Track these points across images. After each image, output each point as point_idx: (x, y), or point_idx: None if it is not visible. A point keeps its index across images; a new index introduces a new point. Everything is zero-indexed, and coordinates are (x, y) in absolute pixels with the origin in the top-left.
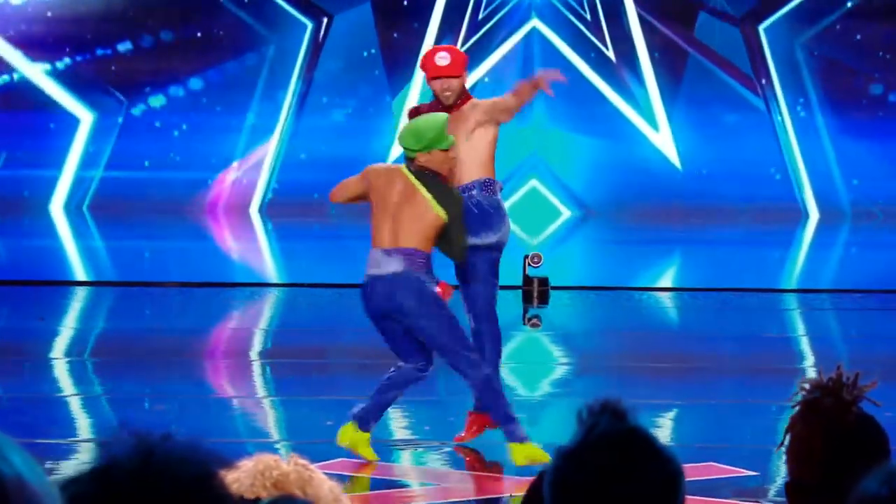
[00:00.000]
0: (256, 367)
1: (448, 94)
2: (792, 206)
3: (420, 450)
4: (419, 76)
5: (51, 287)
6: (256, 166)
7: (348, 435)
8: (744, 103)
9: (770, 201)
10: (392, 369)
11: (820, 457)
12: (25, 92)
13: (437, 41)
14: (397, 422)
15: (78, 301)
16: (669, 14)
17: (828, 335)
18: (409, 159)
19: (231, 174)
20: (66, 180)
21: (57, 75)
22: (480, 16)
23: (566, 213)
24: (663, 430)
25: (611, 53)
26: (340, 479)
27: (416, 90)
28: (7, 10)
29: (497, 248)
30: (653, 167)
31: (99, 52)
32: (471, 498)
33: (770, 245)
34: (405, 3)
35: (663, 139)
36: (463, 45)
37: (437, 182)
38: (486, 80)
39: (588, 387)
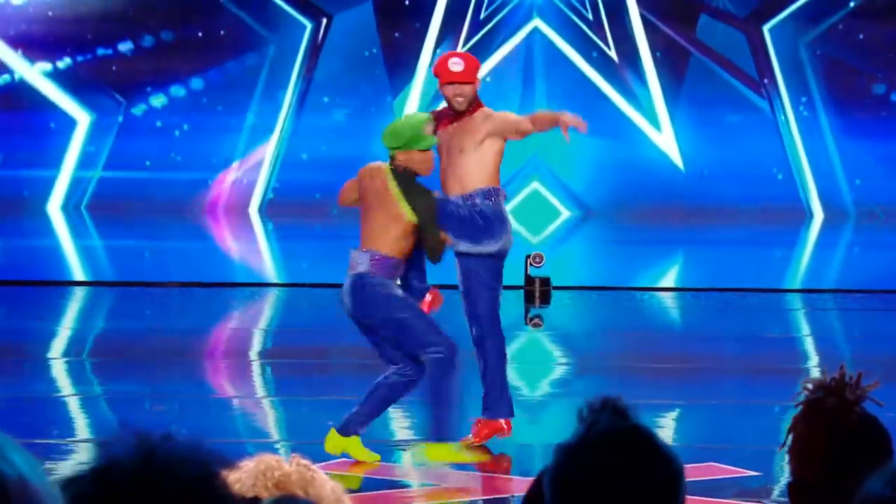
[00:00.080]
0: (256, 367)
1: (460, 99)
2: (795, 206)
3: (420, 450)
4: (420, 76)
5: (50, 287)
6: (256, 166)
7: (333, 441)
8: (746, 103)
9: (773, 201)
10: (380, 378)
11: (822, 457)
12: (25, 92)
13: (439, 41)
14: (397, 422)
15: (77, 301)
16: (671, 14)
17: (830, 335)
18: (390, 158)
19: (231, 174)
20: (65, 180)
21: (58, 75)
22: (482, 15)
23: (568, 213)
24: (665, 430)
25: (613, 53)
26: (342, 479)
27: (416, 90)
28: (8, 11)
29: (499, 256)
30: (655, 167)
31: (100, 52)
32: (471, 498)
33: (772, 245)
34: (406, 2)
35: (666, 139)
36: (464, 45)
37: (409, 181)
38: (488, 79)
39: (589, 387)
